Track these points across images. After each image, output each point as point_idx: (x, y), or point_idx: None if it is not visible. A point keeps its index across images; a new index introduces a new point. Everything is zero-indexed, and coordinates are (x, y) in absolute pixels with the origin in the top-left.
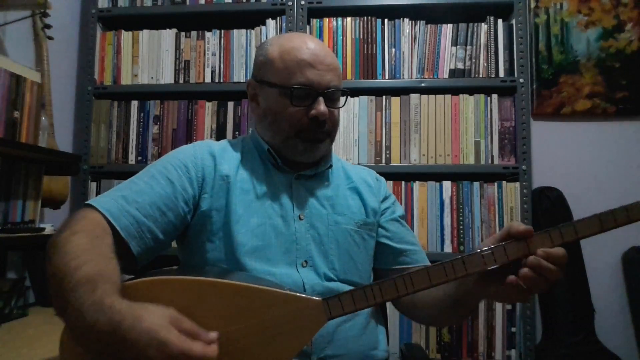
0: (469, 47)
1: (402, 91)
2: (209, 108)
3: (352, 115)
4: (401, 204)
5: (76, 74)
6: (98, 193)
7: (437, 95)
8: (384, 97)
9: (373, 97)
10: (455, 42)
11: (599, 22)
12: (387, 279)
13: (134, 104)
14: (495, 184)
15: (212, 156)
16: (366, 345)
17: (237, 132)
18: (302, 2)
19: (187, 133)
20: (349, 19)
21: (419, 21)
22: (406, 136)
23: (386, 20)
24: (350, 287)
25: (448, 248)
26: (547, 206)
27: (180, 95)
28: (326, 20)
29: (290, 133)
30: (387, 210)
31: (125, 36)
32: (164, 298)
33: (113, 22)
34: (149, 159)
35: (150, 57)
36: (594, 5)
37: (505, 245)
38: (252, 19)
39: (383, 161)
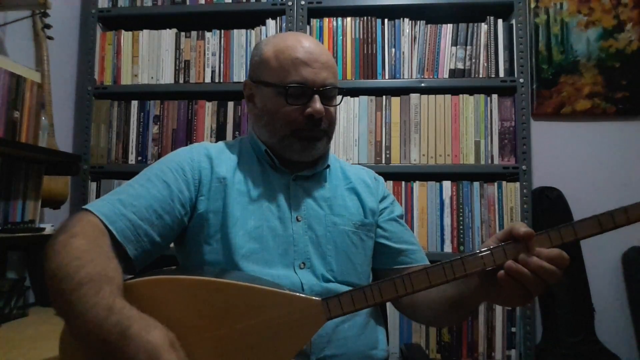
0: (469, 47)
1: (402, 91)
2: (209, 108)
3: (352, 115)
4: (401, 204)
5: (76, 74)
6: (98, 193)
7: (437, 95)
8: (384, 97)
9: (373, 97)
10: (455, 42)
11: (599, 22)
12: (386, 280)
13: (134, 104)
14: (495, 184)
15: (208, 158)
16: (366, 345)
17: (237, 132)
18: (302, 2)
19: (187, 133)
20: (349, 19)
21: (419, 21)
22: (406, 136)
23: (386, 20)
24: (349, 289)
25: (448, 248)
26: (547, 206)
27: (180, 95)
28: (326, 20)
29: (286, 132)
30: (385, 210)
31: (125, 36)
32: (164, 297)
33: (113, 22)
34: (149, 159)
35: (150, 57)
36: (594, 5)
37: (505, 246)
38: (252, 19)
39: (383, 161)
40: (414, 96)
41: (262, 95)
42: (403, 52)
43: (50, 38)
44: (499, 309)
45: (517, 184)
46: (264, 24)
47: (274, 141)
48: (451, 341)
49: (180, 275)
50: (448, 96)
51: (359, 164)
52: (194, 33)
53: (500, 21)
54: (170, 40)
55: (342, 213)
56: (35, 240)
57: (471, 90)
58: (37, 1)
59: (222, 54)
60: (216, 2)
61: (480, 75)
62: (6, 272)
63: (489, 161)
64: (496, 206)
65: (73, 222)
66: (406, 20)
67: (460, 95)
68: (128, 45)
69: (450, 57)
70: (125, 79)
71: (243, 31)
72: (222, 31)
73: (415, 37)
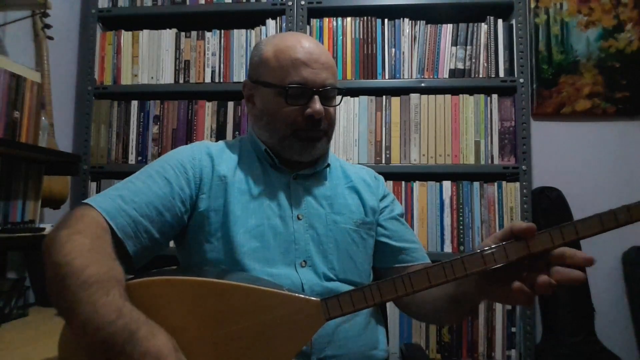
0: (469, 47)
1: (402, 91)
2: (209, 108)
3: (352, 115)
4: (401, 204)
5: (76, 74)
6: (98, 193)
7: (437, 95)
8: (384, 97)
9: (373, 97)
10: (455, 42)
11: (599, 22)
12: (386, 280)
13: (134, 104)
14: (495, 184)
15: (209, 157)
16: (366, 345)
17: (237, 132)
18: (302, 2)
19: (187, 133)
20: (349, 19)
21: (419, 21)
22: (406, 136)
23: (386, 20)
24: (350, 287)
25: (448, 248)
26: (547, 206)
27: (180, 95)
28: (326, 20)
29: (286, 132)
30: (385, 208)
31: (125, 36)
32: (164, 298)
33: (113, 22)
34: (149, 159)
35: (150, 57)
36: (594, 5)
37: (505, 246)
38: (252, 19)
39: (383, 161)
40: (414, 96)
41: (262, 96)
42: (403, 52)
43: (50, 38)
44: (499, 309)
45: (517, 184)
46: (264, 24)
47: (273, 141)
48: (451, 341)
49: (180, 276)
50: (448, 96)
51: (359, 164)
52: (194, 33)
53: (500, 21)
54: (170, 40)
55: (342, 211)
56: (35, 240)
57: (471, 90)
58: (37, 1)
59: (222, 54)
60: (216, 2)
61: (480, 75)
62: (6, 272)
63: (489, 161)
64: (496, 206)
65: (74, 217)
66: (406, 20)
67: (460, 95)
68: (128, 45)
69: (450, 57)
70: (125, 79)
71: (243, 31)
72: (222, 31)
73: (415, 37)
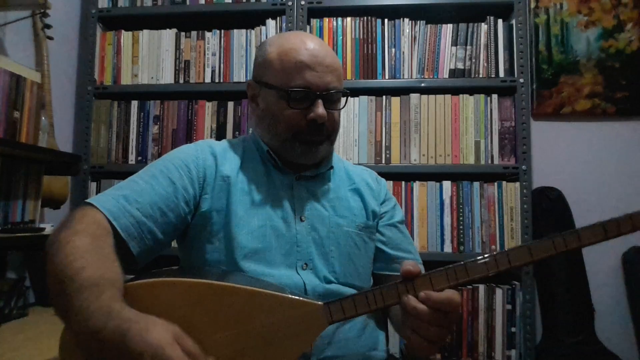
0: (469, 47)
1: (402, 91)
2: (209, 108)
3: (352, 115)
4: (401, 204)
5: (76, 74)
6: (98, 193)
7: (437, 95)
8: (384, 97)
9: (373, 97)
10: (455, 42)
11: (599, 22)
12: (389, 284)
13: (134, 104)
14: (495, 184)
15: (213, 156)
16: (366, 346)
17: (237, 132)
18: (302, 2)
19: (187, 133)
20: (349, 19)
21: (419, 21)
22: (406, 136)
23: (386, 20)
24: (351, 290)
25: (448, 248)
26: (547, 206)
27: (180, 95)
28: (326, 20)
29: (288, 135)
30: (385, 214)
31: (125, 36)
32: (165, 300)
33: (113, 22)
34: (149, 159)
35: (150, 57)
36: (594, 5)
37: (509, 252)
38: (252, 19)
39: (383, 161)
40: (414, 96)
41: (265, 97)
42: (403, 52)
43: (50, 38)
44: (499, 309)
45: (517, 184)
46: (264, 24)
47: (276, 143)
48: (451, 341)
49: (182, 278)
50: (448, 96)
51: (359, 163)
52: (194, 33)
53: (500, 21)
54: (170, 40)
55: (345, 214)
56: (35, 240)
57: (471, 90)
58: (37, 1)
59: (222, 54)
60: (216, 2)
61: (480, 75)
62: (6, 272)
63: (489, 161)
64: (496, 206)
65: (76, 217)
66: (406, 20)
67: (460, 95)
68: (128, 45)
69: (450, 57)
70: (125, 79)
71: (243, 31)
72: (222, 31)
73: (415, 37)
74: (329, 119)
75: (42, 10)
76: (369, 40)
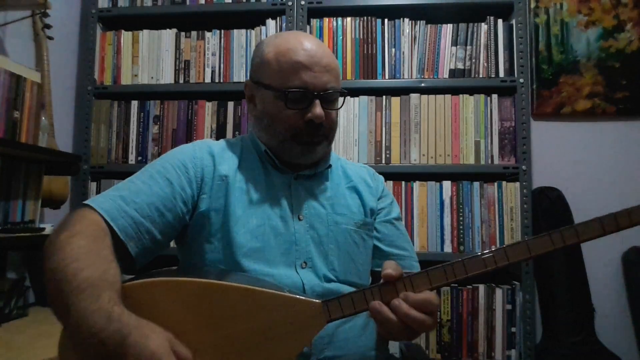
0: (469, 47)
1: (402, 91)
2: (209, 108)
3: (352, 115)
4: (401, 204)
5: (76, 74)
6: (98, 193)
7: (437, 95)
8: (384, 97)
9: (373, 97)
10: (455, 42)
11: (599, 22)
12: (388, 282)
13: (134, 104)
14: (495, 184)
15: (211, 156)
16: (366, 345)
17: (237, 132)
18: (302, 2)
19: (187, 133)
20: (349, 19)
21: (419, 21)
22: (406, 136)
23: (386, 20)
24: (350, 288)
25: (448, 248)
26: (547, 206)
27: (180, 95)
28: (326, 20)
29: (286, 136)
30: (382, 210)
31: (125, 36)
32: (164, 300)
33: (113, 22)
34: (149, 159)
35: (150, 57)
36: (594, 5)
37: (506, 248)
38: (252, 19)
39: (383, 161)
40: (414, 96)
41: (262, 98)
42: (403, 52)
43: (50, 38)
44: (499, 309)
45: (517, 184)
46: (264, 24)
47: (273, 143)
48: (451, 341)
49: (180, 277)
50: (448, 96)
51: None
52: (194, 33)
53: (500, 21)
54: (170, 40)
55: (343, 212)
56: (35, 240)
57: (471, 90)
58: (37, 1)
59: (222, 54)
60: (216, 2)
61: (480, 75)
62: (6, 272)
63: (489, 161)
64: (496, 206)
65: (74, 218)
66: (406, 20)
67: (460, 95)
68: (128, 45)
69: (450, 57)
70: (125, 79)
71: (243, 31)
72: (222, 31)
73: (415, 37)
74: (327, 119)
75: (42, 10)
76: (369, 40)
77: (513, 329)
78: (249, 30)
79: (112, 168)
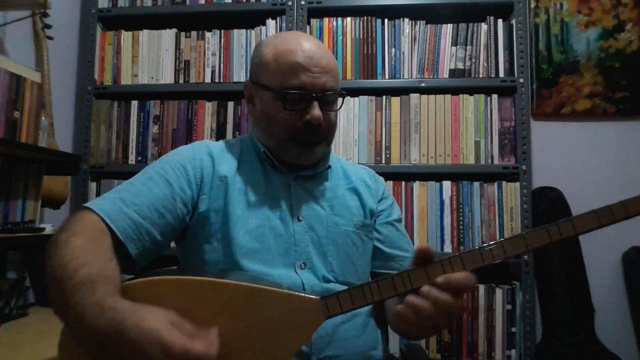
0: (469, 47)
1: (402, 91)
2: (209, 108)
3: (352, 115)
4: (401, 204)
5: (76, 74)
6: (98, 193)
7: (437, 95)
8: (384, 97)
9: (373, 97)
10: (455, 42)
11: (599, 22)
12: (385, 277)
13: (134, 104)
14: (495, 184)
15: (210, 157)
16: (366, 345)
17: (237, 132)
18: (302, 2)
19: (187, 133)
20: (349, 19)
21: (419, 21)
22: (406, 136)
23: (386, 20)
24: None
25: (448, 248)
26: (547, 206)
27: (180, 95)
28: (326, 20)
29: (284, 137)
30: (383, 212)
31: (125, 36)
32: (164, 298)
33: (113, 22)
34: (149, 159)
35: (150, 57)
36: (594, 5)
37: (504, 242)
38: (252, 19)
39: (383, 161)
40: (414, 96)
41: (261, 98)
42: (403, 52)
43: (50, 38)
44: (499, 309)
45: (517, 184)
46: (264, 24)
47: (272, 144)
48: (451, 341)
49: (179, 276)
50: (448, 96)
51: (358, 164)
52: (194, 33)
53: (500, 21)
54: (170, 40)
55: (343, 213)
56: (35, 240)
57: (471, 90)
58: (37, 1)
59: (222, 54)
60: (216, 2)
61: (480, 75)
62: (6, 272)
63: (489, 161)
64: (496, 206)
65: (74, 220)
66: (406, 20)
67: (460, 95)
68: (128, 45)
69: (450, 57)
70: (125, 79)
71: (243, 31)
72: (222, 31)
73: (415, 37)
74: (325, 120)
75: (42, 10)
76: (369, 40)
77: (513, 329)
78: (249, 30)
79: (112, 168)
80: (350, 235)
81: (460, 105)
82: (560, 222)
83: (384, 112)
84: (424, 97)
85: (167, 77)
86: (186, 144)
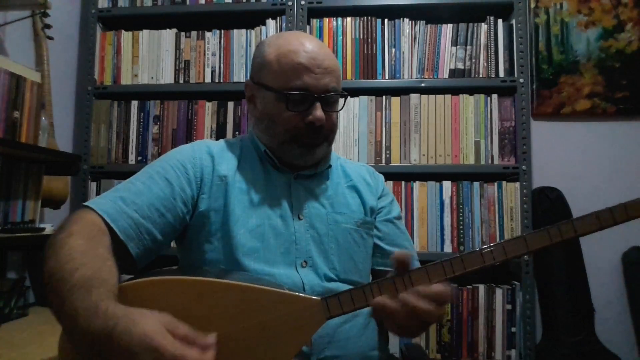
0: (469, 47)
1: (402, 91)
2: (209, 108)
3: (352, 115)
4: (401, 204)
5: (76, 74)
6: (98, 193)
7: (437, 95)
8: (384, 97)
9: (373, 97)
10: (455, 42)
11: (599, 22)
12: (386, 278)
13: (134, 104)
14: (495, 184)
15: (210, 156)
16: (366, 345)
17: (237, 132)
18: (302, 2)
19: (187, 133)
20: (349, 19)
21: (419, 21)
22: (406, 136)
23: (386, 20)
24: (351, 287)
25: (448, 248)
26: (547, 206)
27: (180, 95)
28: (326, 20)
29: (286, 138)
30: (382, 209)
31: (125, 36)
32: (163, 298)
33: (113, 22)
34: (149, 159)
35: (150, 57)
36: (594, 5)
37: (505, 244)
38: (252, 19)
39: (383, 161)
40: (414, 96)
41: (263, 98)
42: (403, 52)
43: (50, 38)
44: (499, 309)
45: (517, 184)
46: (264, 24)
47: (273, 144)
48: (451, 341)
49: (179, 276)
50: (448, 96)
51: None
52: (194, 33)
53: (500, 21)
54: (170, 40)
55: (343, 211)
56: (35, 240)
57: (471, 90)
58: (37, 1)
59: (222, 54)
60: (216, 2)
61: (480, 75)
62: (6, 272)
63: (489, 161)
64: (496, 206)
65: (73, 220)
66: (406, 20)
67: (460, 95)
68: (128, 45)
69: (450, 57)
70: (125, 79)
71: (243, 31)
72: (222, 31)
73: (415, 37)
74: (327, 121)
75: (42, 10)
76: (369, 40)
77: (513, 329)
78: (249, 30)
79: (112, 168)
80: (351, 233)
81: (460, 105)
82: (561, 224)
83: (384, 112)
84: (424, 97)
85: (167, 77)
86: (186, 143)
